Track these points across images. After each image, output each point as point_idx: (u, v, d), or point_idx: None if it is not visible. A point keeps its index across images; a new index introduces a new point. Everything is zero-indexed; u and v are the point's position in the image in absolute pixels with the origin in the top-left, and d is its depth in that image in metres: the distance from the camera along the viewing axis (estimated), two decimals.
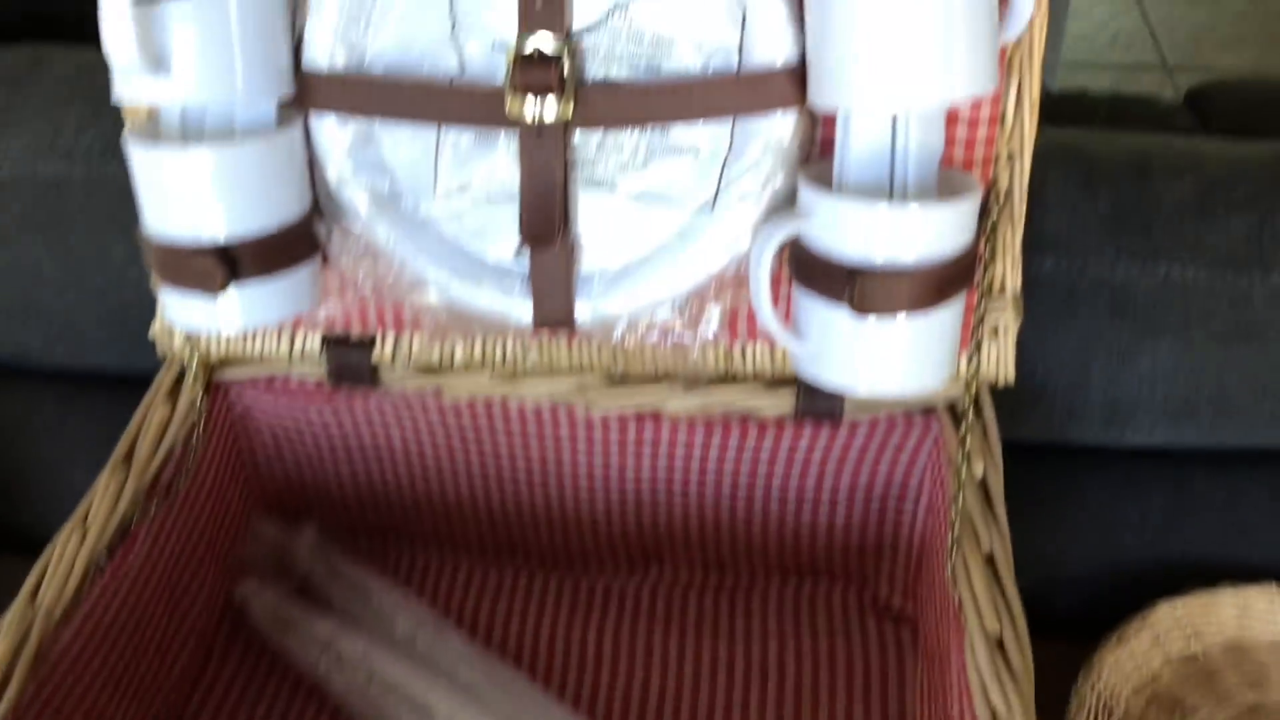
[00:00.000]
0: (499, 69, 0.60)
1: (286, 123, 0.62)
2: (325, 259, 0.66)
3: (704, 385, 0.70)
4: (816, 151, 0.63)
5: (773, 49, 0.59)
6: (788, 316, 0.64)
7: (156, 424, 0.69)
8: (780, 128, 0.60)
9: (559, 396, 0.71)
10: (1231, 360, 0.77)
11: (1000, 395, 0.68)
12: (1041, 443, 0.81)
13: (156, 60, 0.57)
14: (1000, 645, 0.58)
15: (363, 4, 0.61)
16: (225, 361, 0.73)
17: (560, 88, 0.59)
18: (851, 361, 0.60)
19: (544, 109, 0.60)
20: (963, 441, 0.65)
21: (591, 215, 0.63)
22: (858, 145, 0.59)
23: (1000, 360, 0.67)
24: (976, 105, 0.61)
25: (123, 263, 0.82)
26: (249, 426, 0.77)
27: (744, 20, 0.59)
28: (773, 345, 0.68)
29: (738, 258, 0.63)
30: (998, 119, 0.62)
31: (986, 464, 0.65)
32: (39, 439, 0.90)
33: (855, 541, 0.77)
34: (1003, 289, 0.66)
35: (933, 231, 0.57)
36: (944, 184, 0.60)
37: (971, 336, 0.65)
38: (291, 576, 0.77)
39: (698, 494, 0.76)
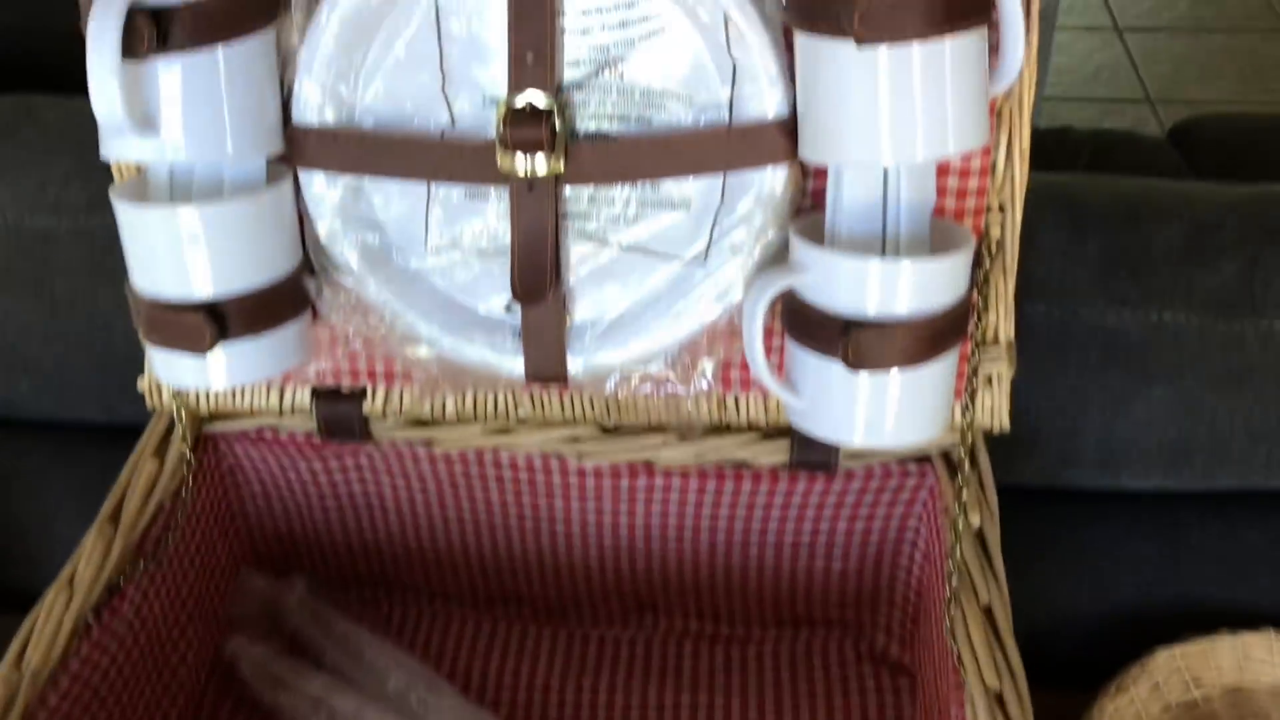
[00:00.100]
0: (489, 124, 0.60)
1: (276, 179, 0.61)
2: (315, 314, 0.65)
3: (698, 436, 0.69)
4: (808, 202, 0.63)
5: (763, 103, 0.58)
6: (780, 368, 0.64)
7: (144, 480, 0.68)
8: (772, 180, 0.60)
9: (551, 447, 0.70)
10: (1225, 404, 0.77)
11: (995, 441, 0.68)
12: (1036, 488, 0.81)
13: (144, 119, 0.57)
14: (1000, 700, 0.58)
15: (352, 60, 0.61)
16: (215, 414, 0.72)
17: (551, 143, 0.59)
18: (846, 414, 0.60)
19: (535, 164, 0.60)
20: (959, 494, 0.64)
21: (583, 268, 0.63)
22: (850, 198, 0.59)
23: (995, 409, 0.67)
24: (967, 156, 0.61)
25: (110, 314, 0.81)
26: (239, 479, 0.76)
27: (734, 75, 0.59)
28: (766, 395, 0.68)
29: (730, 309, 0.62)
30: (988, 169, 0.62)
31: (983, 515, 0.65)
32: (26, 491, 0.89)
33: (852, 591, 0.77)
34: (996, 338, 0.66)
35: (926, 286, 0.57)
36: (936, 236, 0.60)
37: (966, 386, 0.65)
38: (281, 631, 0.76)
39: (692, 544, 0.75)
